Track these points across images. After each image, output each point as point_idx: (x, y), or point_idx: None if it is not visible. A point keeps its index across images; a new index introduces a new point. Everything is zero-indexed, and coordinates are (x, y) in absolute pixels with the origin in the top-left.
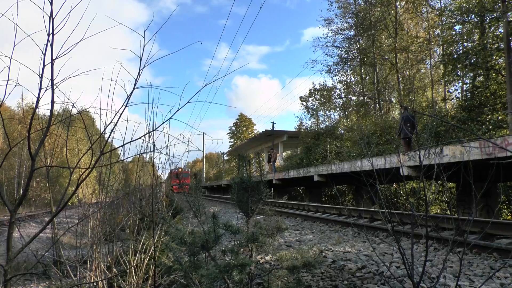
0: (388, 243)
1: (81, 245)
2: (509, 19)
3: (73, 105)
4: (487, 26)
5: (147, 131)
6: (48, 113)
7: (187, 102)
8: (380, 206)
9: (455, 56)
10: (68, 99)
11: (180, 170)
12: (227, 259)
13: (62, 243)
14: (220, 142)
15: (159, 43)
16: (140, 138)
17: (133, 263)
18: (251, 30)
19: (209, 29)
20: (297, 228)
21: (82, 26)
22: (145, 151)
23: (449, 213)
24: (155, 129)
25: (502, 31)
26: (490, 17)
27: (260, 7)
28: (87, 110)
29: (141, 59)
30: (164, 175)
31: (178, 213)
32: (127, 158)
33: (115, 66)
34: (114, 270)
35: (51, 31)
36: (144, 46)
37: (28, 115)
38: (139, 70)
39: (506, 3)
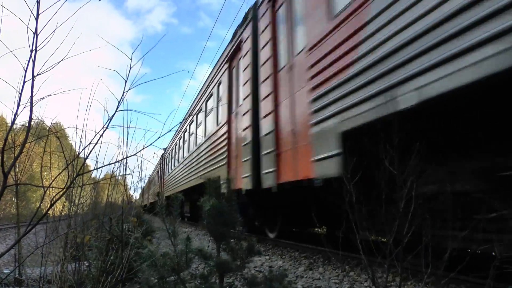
0: (358, 272)
1: (46, 263)
2: None
3: (50, 130)
4: None
5: (124, 156)
6: (19, 126)
7: (169, 131)
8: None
9: None
10: (42, 119)
11: None
12: (197, 283)
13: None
14: None
15: (142, 61)
16: (116, 162)
17: (100, 284)
18: None
19: (193, 50)
20: (268, 253)
21: (67, 41)
22: (118, 174)
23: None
24: (134, 154)
25: None
26: None
27: None
28: (65, 129)
29: (126, 81)
30: (136, 195)
31: (149, 233)
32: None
33: (97, 81)
34: None
35: (34, 48)
36: (130, 68)
37: None
38: (123, 93)
39: None
